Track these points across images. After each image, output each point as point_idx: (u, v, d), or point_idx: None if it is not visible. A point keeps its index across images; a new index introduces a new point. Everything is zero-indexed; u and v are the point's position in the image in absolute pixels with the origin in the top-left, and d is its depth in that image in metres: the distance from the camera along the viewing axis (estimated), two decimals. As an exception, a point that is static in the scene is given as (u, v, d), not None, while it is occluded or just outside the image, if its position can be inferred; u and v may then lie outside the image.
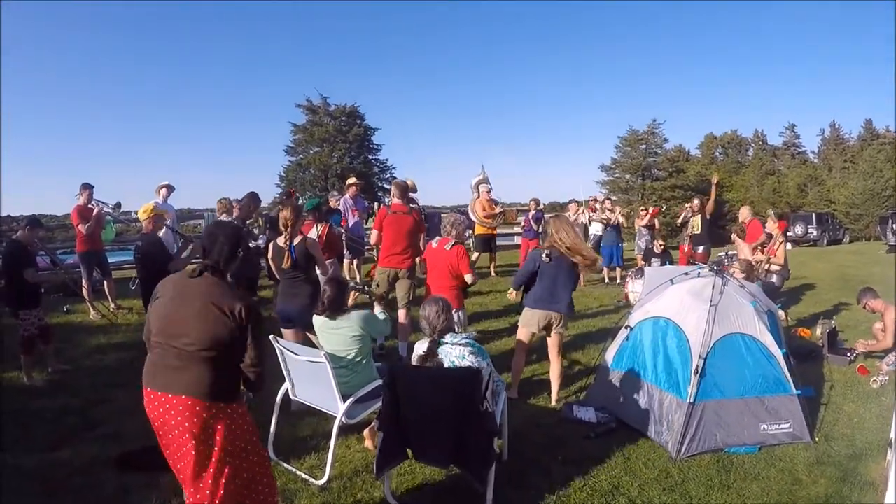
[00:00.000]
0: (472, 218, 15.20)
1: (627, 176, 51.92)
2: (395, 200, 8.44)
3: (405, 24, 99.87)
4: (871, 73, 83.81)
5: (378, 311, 5.74)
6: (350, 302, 6.36)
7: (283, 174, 46.17)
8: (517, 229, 16.08)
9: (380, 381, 5.04)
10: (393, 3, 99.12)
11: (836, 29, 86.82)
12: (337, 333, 5.29)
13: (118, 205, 11.22)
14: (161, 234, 9.18)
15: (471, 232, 14.98)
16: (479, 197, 15.25)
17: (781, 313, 7.54)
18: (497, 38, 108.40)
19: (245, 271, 10.01)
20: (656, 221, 15.84)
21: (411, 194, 13.21)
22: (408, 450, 4.56)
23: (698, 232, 13.60)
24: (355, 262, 12.97)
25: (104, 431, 5.94)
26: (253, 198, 10.64)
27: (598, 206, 16.11)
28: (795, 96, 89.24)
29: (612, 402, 6.21)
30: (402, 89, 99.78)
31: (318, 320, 5.45)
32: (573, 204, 15.93)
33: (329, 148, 45.18)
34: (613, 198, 31.89)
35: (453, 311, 6.55)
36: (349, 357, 5.22)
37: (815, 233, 33.68)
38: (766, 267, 10.02)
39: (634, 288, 10.86)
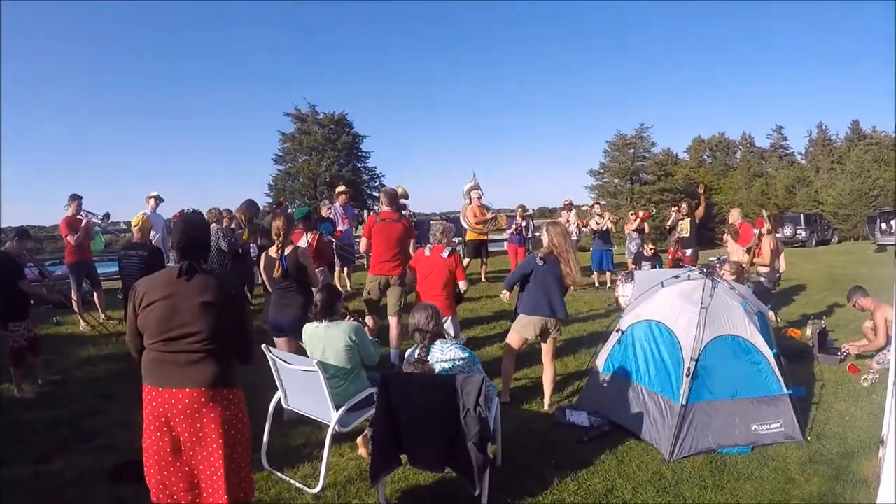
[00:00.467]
0: (464, 224, 15.24)
1: (616, 180, 52.04)
2: (385, 208, 8.45)
3: (394, 32, 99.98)
4: (857, 74, 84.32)
5: (370, 335, 5.66)
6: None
7: (272, 183, 46.10)
8: (507, 235, 16.11)
9: (372, 389, 5.03)
10: (381, 10, 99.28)
11: (822, 30, 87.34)
12: (328, 342, 5.28)
13: (107, 215, 11.20)
14: (155, 240, 9.20)
15: (460, 238, 15.00)
16: (470, 203, 15.27)
17: (771, 314, 7.55)
18: (486, 44, 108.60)
19: (239, 279, 10.02)
20: (646, 225, 15.88)
21: (402, 201, 13.25)
22: (401, 456, 4.57)
23: (687, 235, 13.67)
24: (345, 270, 12.97)
25: (96, 443, 5.90)
26: (250, 205, 10.65)
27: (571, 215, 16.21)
28: (782, 98, 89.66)
29: (604, 406, 6.22)
30: (391, 96, 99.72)
31: (309, 328, 5.44)
32: (565, 212, 15.94)
33: (318, 156, 45.12)
34: (602, 202, 31.97)
35: (447, 318, 6.60)
36: (341, 365, 5.21)
37: (803, 234, 33.81)
38: (750, 268, 10.05)
39: (625, 292, 10.86)
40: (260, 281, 10.73)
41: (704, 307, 5.91)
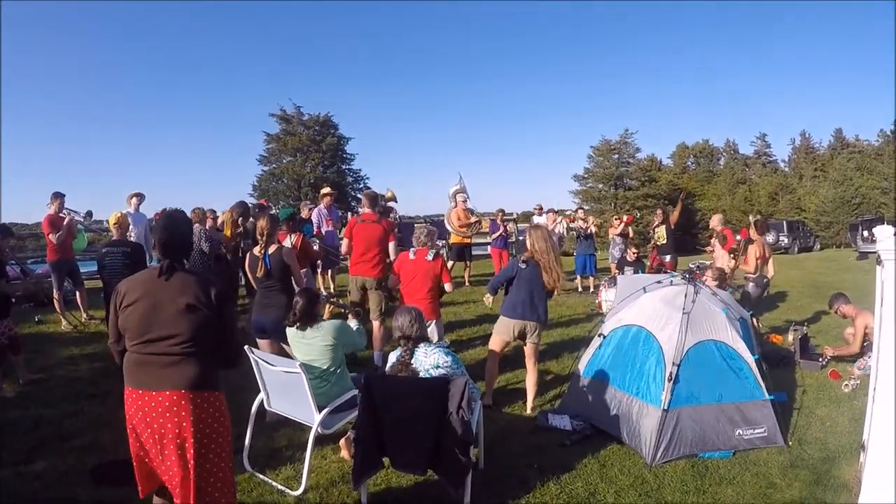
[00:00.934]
0: (448, 227, 15.24)
1: (600, 185, 52.31)
2: (366, 210, 8.49)
3: (379, 35, 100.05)
4: (841, 83, 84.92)
5: (353, 322, 5.70)
6: (326, 315, 6.30)
7: (256, 183, 45.99)
8: (490, 239, 16.17)
9: (355, 391, 5.03)
10: (367, 13, 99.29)
11: (807, 38, 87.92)
12: (310, 344, 5.28)
13: (89, 213, 11.15)
14: (135, 238, 9.16)
15: (444, 241, 14.99)
16: (455, 206, 15.27)
17: (753, 320, 7.60)
18: (472, 48, 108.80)
19: (220, 281, 9.99)
20: (630, 230, 15.93)
21: (391, 204, 13.25)
22: (384, 459, 4.56)
23: (664, 242, 13.83)
24: (329, 272, 12.92)
25: (78, 443, 5.85)
26: (238, 206, 10.65)
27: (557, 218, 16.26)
28: (767, 106, 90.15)
29: (586, 410, 6.23)
30: (377, 99, 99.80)
31: (291, 331, 5.43)
32: (551, 213, 15.96)
33: (302, 157, 45.06)
34: (586, 207, 32.06)
35: (431, 321, 6.59)
36: (323, 367, 5.21)
37: (786, 240, 33.99)
38: (733, 274, 10.10)
39: (608, 296, 10.91)
40: (243, 283, 10.72)
41: (686, 312, 5.94)
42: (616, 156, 51.73)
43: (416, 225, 10.01)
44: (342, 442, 5.42)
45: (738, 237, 10.82)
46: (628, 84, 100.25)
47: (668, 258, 13.62)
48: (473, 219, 15.14)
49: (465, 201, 15.22)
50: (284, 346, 6.18)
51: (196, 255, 9.54)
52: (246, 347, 4.93)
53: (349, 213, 18.47)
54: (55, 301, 10.42)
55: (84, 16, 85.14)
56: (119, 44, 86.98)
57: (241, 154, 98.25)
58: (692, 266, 10.54)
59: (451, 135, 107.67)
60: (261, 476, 5.10)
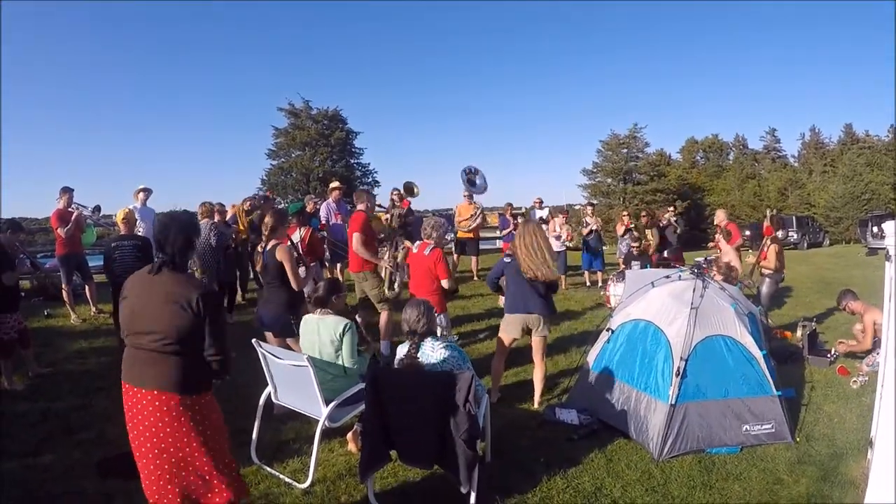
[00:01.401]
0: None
1: (609, 180, 52.28)
2: (360, 206, 8.47)
3: (389, 31, 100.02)
4: (851, 78, 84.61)
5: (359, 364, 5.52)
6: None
7: (265, 178, 46.09)
8: (500, 234, 16.09)
9: (363, 385, 5.03)
10: (378, 9, 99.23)
11: (817, 33, 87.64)
12: (320, 334, 5.29)
13: (97, 208, 11.17)
14: (143, 233, 9.18)
15: (452, 235, 14.95)
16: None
17: (761, 316, 7.57)
18: (482, 42, 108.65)
19: (226, 272, 10.00)
20: (632, 225, 15.88)
21: (409, 198, 13.22)
22: (391, 452, 4.56)
23: (656, 241, 14.00)
24: (338, 266, 12.90)
25: (85, 436, 5.89)
26: (250, 197, 10.73)
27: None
28: (776, 101, 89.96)
29: (594, 404, 6.22)
30: (386, 94, 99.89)
31: (306, 319, 5.50)
32: (560, 217, 15.83)
33: (311, 152, 45.17)
34: (595, 202, 32.00)
35: (438, 315, 6.57)
36: (331, 360, 5.21)
37: (795, 236, 33.87)
38: (758, 270, 10.03)
39: (616, 291, 10.88)
40: (252, 276, 10.76)
41: (695, 307, 5.92)
42: (625, 150, 51.69)
43: (423, 218, 9.98)
44: (349, 435, 5.44)
45: (747, 232, 10.78)
46: (638, 78, 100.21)
47: (665, 253, 13.64)
48: (471, 211, 15.00)
49: (467, 195, 15.15)
50: (286, 340, 6.20)
51: (206, 250, 9.55)
52: (253, 341, 4.95)
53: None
54: (64, 295, 10.45)
55: (95, 7, 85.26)
56: (127, 36, 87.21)
57: (249, 148, 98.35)
58: (700, 261, 10.49)
59: (461, 128, 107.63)
60: (268, 469, 5.12)
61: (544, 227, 14.68)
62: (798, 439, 5.69)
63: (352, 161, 47.85)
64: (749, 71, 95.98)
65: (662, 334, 5.96)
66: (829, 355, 8.19)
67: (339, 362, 5.29)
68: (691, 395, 5.56)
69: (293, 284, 6.24)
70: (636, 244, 14.14)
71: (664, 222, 14.90)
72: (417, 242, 7.47)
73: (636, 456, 5.43)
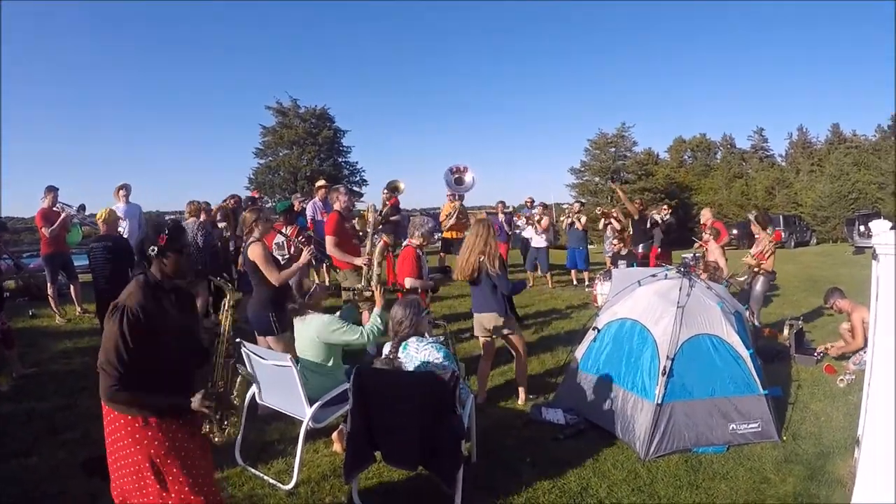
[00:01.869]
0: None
1: (597, 179, 52.48)
2: (336, 206, 8.44)
3: (376, 26, 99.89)
4: (839, 78, 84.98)
5: (372, 319, 5.40)
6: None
7: (252, 176, 46.02)
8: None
9: (348, 385, 5.01)
10: (365, 6, 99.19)
11: (805, 33, 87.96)
12: (301, 336, 5.30)
13: (82, 207, 11.09)
14: (126, 231, 9.12)
15: (439, 234, 14.90)
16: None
17: (747, 314, 7.58)
18: (470, 41, 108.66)
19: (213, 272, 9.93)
20: (614, 222, 15.86)
21: (395, 195, 13.21)
22: (376, 453, 4.53)
23: (631, 234, 14.17)
24: (324, 265, 12.83)
25: (70, 436, 5.86)
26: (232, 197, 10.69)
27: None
28: (764, 100, 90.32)
29: (580, 404, 6.21)
30: (374, 92, 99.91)
31: (294, 321, 5.48)
32: (540, 206, 15.76)
33: (298, 150, 45.18)
34: (583, 201, 32.07)
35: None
36: (315, 360, 5.20)
37: (782, 235, 34.01)
38: (756, 271, 9.99)
39: (602, 290, 10.88)
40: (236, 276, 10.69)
41: (681, 306, 5.91)
42: (613, 149, 51.97)
43: (411, 217, 9.95)
44: (335, 435, 5.42)
45: (734, 231, 10.78)
46: (626, 77, 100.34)
47: (640, 248, 13.70)
48: (449, 210, 14.90)
49: (449, 195, 15.11)
50: (268, 339, 6.17)
51: (193, 250, 9.48)
52: (238, 340, 4.91)
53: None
54: (49, 295, 10.37)
55: (78, 8, 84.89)
56: (111, 34, 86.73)
57: (237, 147, 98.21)
58: (686, 259, 10.50)
59: (448, 127, 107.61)
60: (252, 470, 5.09)
61: (529, 224, 14.78)
62: (785, 438, 5.69)
63: (339, 160, 47.84)
64: (737, 70, 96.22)
65: (649, 333, 5.95)
66: (815, 354, 8.20)
67: (327, 362, 5.26)
68: (678, 394, 5.55)
69: (271, 280, 6.18)
70: (617, 241, 14.19)
71: (657, 218, 14.89)
72: (404, 242, 7.45)
73: (622, 455, 5.42)
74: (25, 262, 12.21)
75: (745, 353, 5.81)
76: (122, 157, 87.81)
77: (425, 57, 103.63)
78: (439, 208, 16.29)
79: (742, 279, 9.70)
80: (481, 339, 6.75)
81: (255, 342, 5.99)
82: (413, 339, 4.64)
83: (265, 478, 4.98)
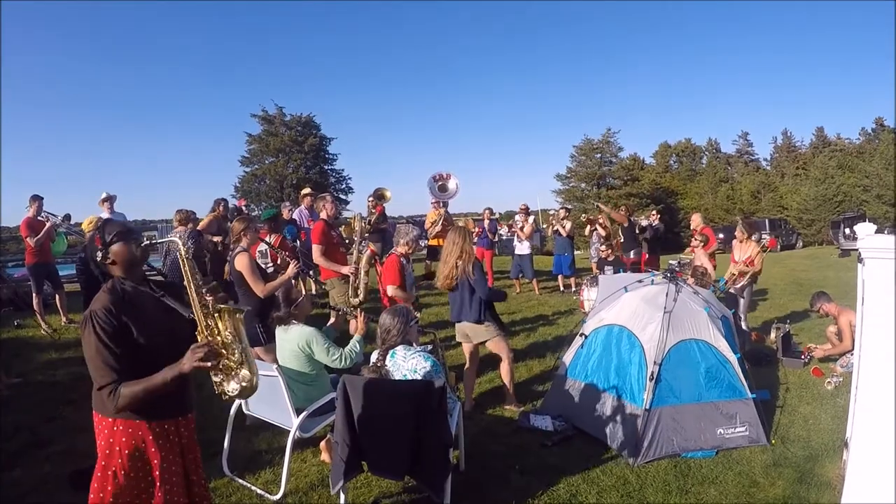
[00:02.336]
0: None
1: (583, 185, 52.67)
2: (322, 215, 8.47)
3: (363, 32, 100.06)
4: (822, 82, 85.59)
5: (351, 345, 5.39)
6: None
7: (238, 184, 45.93)
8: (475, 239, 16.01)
9: (334, 394, 4.98)
10: (350, 13, 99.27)
11: (789, 37, 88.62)
12: (285, 346, 5.28)
13: (67, 216, 11.03)
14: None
15: (425, 242, 14.90)
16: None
17: (742, 319, 7.60)
18: (454, 46, 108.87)
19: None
20: (599, 227, 15.87)
21: (381, 203, 13.23)
22: (363, 462, 4.51)
23: (622, 241, 14.19)
24: (311, 272, 12.78)
25: (56, 448, 5.81)
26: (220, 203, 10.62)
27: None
28: (748, 105, 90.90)
29: (568, 410, 6.21)
30: (359, 98, 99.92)
31: (277, 330, 5.46)
32: (522, 213, 15.73)
33: (284, 158, 45.15)
34: (569, 206, 32.15)
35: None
36: (299, 370, 5.18)
37: (768, 238, 34.15)
38: (747, 278, 9.95)
39: (589, 296, 10.88)
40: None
41: (668, 311, 5.92)
42: (598, 155, 52.20)
43: (397, 224, 9.94)
44: (323, 444, 5.39)
45: (720, 236, 10.79)
46: (611, 83, 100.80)
47: (632, 254, 13.72)
48: (433, 217, 14.90)
49: (433, 202, 15.12)
50: (256, 349, 6.14)
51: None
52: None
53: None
54: (34, 305, 10.30)
55: (60, 14, 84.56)
56: (96, 43, 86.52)
57: (222, 155, 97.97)
58: (673, 264, 10.50)
59: (433, 134, 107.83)
60: (239, 480, 5.06)
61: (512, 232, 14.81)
62: (773, 441, 5.69)
63: (325, 167, 47.83)
64: (722, 75, 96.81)
65: (636, 339, 5.95)
66: (803, 357, 8.23)
67: (310, 371, 5.24)
68: (666, 399, 5.55)
69: (256, 291, 6.15)
70: (604, 247, 14.21)
71: (646, 223, 14.92)
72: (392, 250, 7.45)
73: (611, 461, 5.41)
74: (10, 272, 12.11)
75: (732, 358, 5.82)
76: (105, 166, 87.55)
77: (412, 63, 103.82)
78: (425, 216, 16.27)
79: (740, 285, 9.67)
80: (465, 347, 6.76)
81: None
82: (401, 347, 4.62)
83: (253, 488, 4.95)
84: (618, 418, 5.69)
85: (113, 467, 3.09)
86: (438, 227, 14.34)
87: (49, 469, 5.37)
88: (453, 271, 6.38)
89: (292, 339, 5.24)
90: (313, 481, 5.06)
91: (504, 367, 6.68)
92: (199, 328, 3.07)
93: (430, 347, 4.95)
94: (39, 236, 9.89)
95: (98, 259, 3.16)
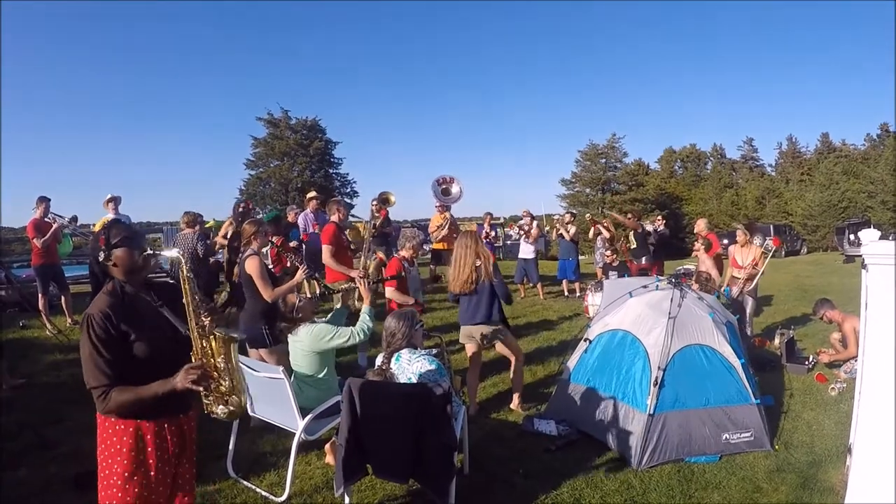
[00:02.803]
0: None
1: (587, 190, 52.62)
2: (332, 218, 8.53)
3: (369, 38, 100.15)
4: (828, 88, 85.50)
5: (361, 318, 5.37)
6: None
7: (243, 187, 45.97)
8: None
9: (339, 397, 4.99)
10: (357, 18, 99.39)
11: (794, 43, 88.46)
12: (294, 349, 5.31)
13: (74, 218, 11.05)
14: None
15: (429, 246, 14.89)
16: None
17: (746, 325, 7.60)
18: (459, 51, 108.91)
19: (207, 283, 9.87)
20: (604, 231, 15.83)
21: (385, 207, 13.21)
22: (368, 465, 4.52)
23: (634, 246, 13.92)
24: (317, 276, 12.78)
25: (62, 449, 5.80)
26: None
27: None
28: (754, 110, 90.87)
29: (572, 415, 6.21)
30: (365, 103, 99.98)
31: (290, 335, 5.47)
32: (527, 218, 15.70)
33: (290, 161, 45.19)
34: (574, 212, 32.11)
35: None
36: (307, 372, 5.20)
37: (771, 239, 34.05)
38: (755, 282, 9.92)
39: (594, 301, 10.86)
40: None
41: (672, 317, 5.93)
42: (603, 160, 52.11)
43: (402, 229, 9.97)
44: (328, 447, 5.40)
45: (724, 241, 10.77)
46: (616, 89, 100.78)
47: (643, 261, 13.66)
48: (439, 222, 14.88)
49: (438, 206, 15.10)
50: (261, 352, 6.16)
51: (192, 260, 9.43)
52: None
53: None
54: (40, 306, 10.32)
55: (68, 16, 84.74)
56: (104, 45, 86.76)
57: (228, 158, 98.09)
58: (679, 270, 10.51)
59: (439, 139, 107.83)
60: (244, 482, 5.07)
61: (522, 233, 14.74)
62: (777, 447, 5.70)
63: (331, 171, 47.86)
64: (727, 81, 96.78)
65: (640, 344, 5.96)
66: (807, 363, 8.22)
67: (320, 373, 5.27)
68: (670, 404, 5.55)
69: (264, 295, 6.16)
70: (609, 252, 14.17)
71: (651, 228, 14.90)
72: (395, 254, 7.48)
73: (615, 466, 5.42)
74: (16, 272, 12.13)
75: (737, 363, 5.82)
76: (110, 168, 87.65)
77: (418, 67, 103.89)
78: (428, 220, 16.26)
79: (748, 290, 9.66)
80: (469, 350, 6.76)
81: (246, 354, 5.98)
82: (405, 350, 4.63)
83: (258, 490, 4.96)
84: (622, 423, 5.69)
85: (116, 466, 3.11)
86: (445, 231, 14.34)
87: (54, 470, 5.36)
88: (472, 275, 6.39)
89: (302, 340, 5.26)
90: (318, 484, 5.07)
91: (517, 365, 6.72)
92: (193, 348, 3.09)
93: (434, 351, 4.96)
94: (46, 237, 9.93)
95: (100, 259, 3.14)
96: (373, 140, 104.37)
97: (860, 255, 4.30)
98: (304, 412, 4.84)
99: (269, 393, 5.05)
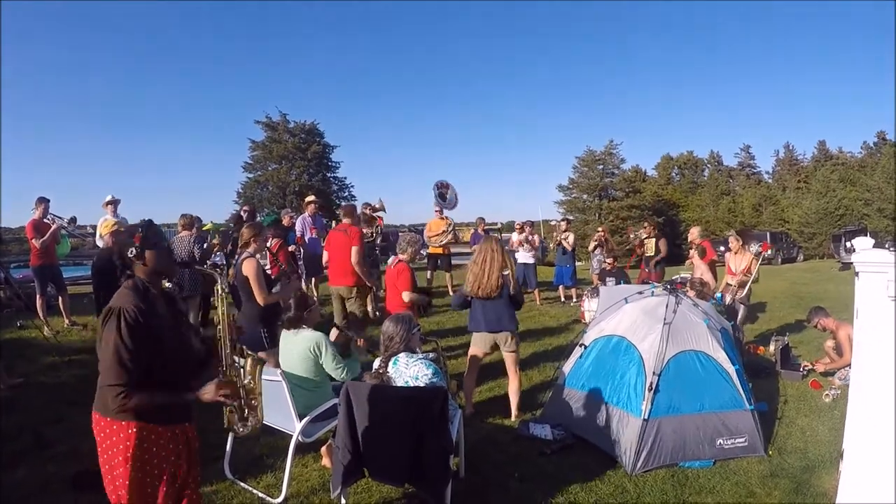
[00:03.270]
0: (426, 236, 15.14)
1: (585, 196, 52.64)
2: (345, 220, 8.56)
3: (367, 42, 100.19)
4: (825, 95, 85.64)
5: (350, 365, 5.43)
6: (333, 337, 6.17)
7: (240, 191, 46.00)
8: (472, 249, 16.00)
9: (336, 399, 5.02)
10: (354, 22, 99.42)
11: (791, 51, 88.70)
12: (291, 350, 5.30)
13: (73, 219, 11.05)
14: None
15: (426, 251, 14.91)
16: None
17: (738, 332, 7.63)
18: (457, 55, 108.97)
19: (202, 284, 9.85)
20: (606, 238, 15.88)
21: (380, 213, 13.23)
22: (364, 468, 4.54)
23: (651, 254, 13.96)
24: (313, 281, 12.81)
25: (60, 450, 5.81)
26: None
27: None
28: (751, 118, 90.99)
29: (567, 419, 6.24)
30: (363, 107, 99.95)
31: (283, 334, 5.50)
32: (527, 226, 15.72)
33: (287, 165, 45.22)
34: (571, 218, 32.17)
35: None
36: (304, 375, 5.21)
37: (769, 251, 34.10)
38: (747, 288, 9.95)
39: (590, 306, 10.88)
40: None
41: (667, 323, 5.97)
42: (601, 166, 52.14)
43: (399, 233, 9.99)
44: (324, 449, 5.41)
45: (720, 248, 10.80)
46: (614, 95, 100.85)
47: (656, 269, 13.69)
48: (442, 228, 14.92)
49: (438, 211, 15.11)
50: (255, 355, 6.17)
51: (189, 262, 9.42)
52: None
53: (333, 222, 18.35)
54: (38, 306, 10.33)
55: (66, 18, 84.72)
56: (101, 46, 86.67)
57: (225, 161, 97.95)
58: (675, 278, 10.54)
59: (436, 144, 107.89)
60: (241, 484, 5.09)
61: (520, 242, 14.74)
62: (771, 452, 5.74)
63: (328, 175, 47.90)
64: (724, 88, 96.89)
65: (635, 349, 6.00)
66: (801, 369, 8.26)
67: (315, 377, 5.28)
68: (664, 409, 5.59)
69: (258, 298, 6.18)
70: (609, 260, 14.21)
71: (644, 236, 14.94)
72: (392, 258, 7.49)
73: (610, 470, 5.44)
74: (14, 272, 12.13)
75: (731, 369, 5.85)
76: (108, 170, 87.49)
77: (414, 71, 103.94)
78: (424, 224, 16.25)
79: (740, 297, 9.69)
80: (474, 353, 6.76)
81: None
82: (403, 354, 4.64)
83: (254, 492, 4.98)
84: (616, 428, 5.72)
85: (119, 468, 3.09)
86: (450, 237, 14.40)
87: (53, 470, 5.38)
88: (497, 281, 6.40)
89: (302, 342, 5.27)
90: (314, 486, 5.10)
91: (515, 376, 6.75)
92: (223, 365, 3.21)
93: (432, 355, 4.99)
94: (45, 238, 9.94)
95: (129, 254, 3.15)
96: (371, 145, 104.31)
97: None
98: (299, 415, 4.88)
99: (267, 395, 5.07)
